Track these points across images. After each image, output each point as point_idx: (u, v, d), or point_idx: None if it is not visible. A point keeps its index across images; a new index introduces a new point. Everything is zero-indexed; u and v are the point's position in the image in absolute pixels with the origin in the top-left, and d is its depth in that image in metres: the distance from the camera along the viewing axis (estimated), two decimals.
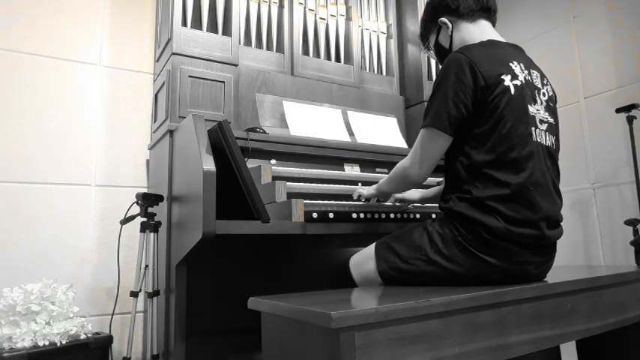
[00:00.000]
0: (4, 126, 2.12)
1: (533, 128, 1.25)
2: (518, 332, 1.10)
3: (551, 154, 1.31)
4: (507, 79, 1.24)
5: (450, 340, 0.98)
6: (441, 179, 2.12)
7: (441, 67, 1.32)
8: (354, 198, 1.66)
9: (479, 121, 1.22)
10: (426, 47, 1.57)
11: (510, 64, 1.28)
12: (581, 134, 2.81)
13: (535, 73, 1.35)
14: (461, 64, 1.23)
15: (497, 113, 1.21)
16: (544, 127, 1.29)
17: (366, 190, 1.63)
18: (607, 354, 1.64)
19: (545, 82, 1.38)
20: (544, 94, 1.34)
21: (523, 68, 1.31)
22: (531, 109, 1.26)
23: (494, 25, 1.46)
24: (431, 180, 2.11)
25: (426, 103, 2.61)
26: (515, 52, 1.37)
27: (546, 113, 1.32)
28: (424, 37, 1.55)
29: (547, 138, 1.30)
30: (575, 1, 2.92)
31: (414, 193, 1.70)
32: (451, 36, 1.44)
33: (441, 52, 1.50)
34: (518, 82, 1.25)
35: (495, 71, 1.23)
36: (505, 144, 1.20)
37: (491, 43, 1.34)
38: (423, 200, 1.72)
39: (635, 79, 2.59)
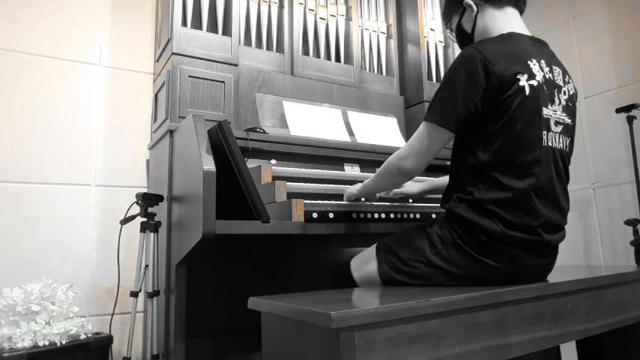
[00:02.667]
0: (4, 126, 2.12)
1: (544, 132, 1.21)
2: (518, 332, 1.10)
3: (563, 158, 1.28)
4: (523, 79, 1.19)
5: (450, 340, 0.98)
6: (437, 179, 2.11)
7: (453, 60, 1.27)
8: (345, 200, 1.62)
9: (489, 120, 1.19)
10: (448, 28, 1.50)
11: (529, 61, 1.23)
12: (581, 134, 2.81)
13: (557, 70, 1.30)
14: (474, 61, 1.19)
15: (508, 114, 1.17)
16: (559, 129, 1.25)
17: (351, 190, 1.59)
18: (607, 354, 1.64)
19: (567, 79, 1.33)
20: (565, 93, 1.29)
21: (544, 65, 1.26)
22: (546, 111, 1.22)
23: (522, 13, 1.40)
24: (421, 179, 2.10)
25: (426, 104, 2.64)
26: (537, 47, 1.31)
27: (564, 114, 1.28)
28: (446, 17, 1.49)
29: (560, 140, 1.26)
30: (575, 1, 2.92)
31: (412, 187, 1.66)
32: (475, 20, 1.38)
33: (462, 36, 1.44)
34: (534, 82, 1.21)
35: (511, 70, 1.19)
36: (513, 147, 1.17)
37: (511, 37, 1.28)
38: (422, 193, 1.67)
39: (635, 79, 2.59)
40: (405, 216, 1.71)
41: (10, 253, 2.05)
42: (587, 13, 2.85)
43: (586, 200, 2.76)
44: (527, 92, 1.19)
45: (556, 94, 1.27)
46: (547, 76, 1.26)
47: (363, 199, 1.66)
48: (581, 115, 2.83)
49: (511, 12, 1.37)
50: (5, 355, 1.53)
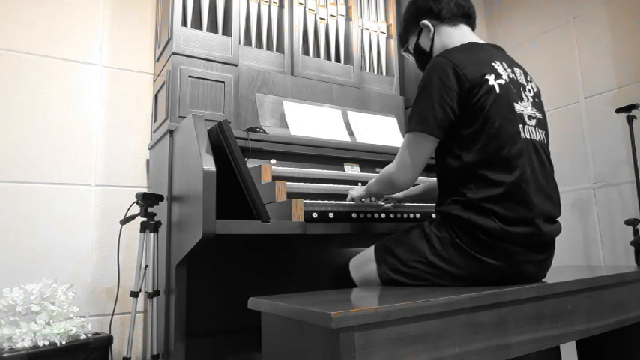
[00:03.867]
0: (4, 126, 2.12)
1: (521, 126, 1.25)
2: (518, 332, 1.10)
3: (544, 149, 1.32)
4: (491, 79, 1.25)
5: (450, 340, 0.98)
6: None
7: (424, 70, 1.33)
8: (347, 201, 1.66)
9: (467, 122, 1.23)
10: (405, 49, 1.57)
11: (493, 63, 1.29)
12: (581, 134, 2.81)
13: (518, 71, 1.36)
14: (444, 67, 1.24)
15: (484, 113, 1.21)
16: (533, 122, 1.30)
17: (357, 192, 1.63)
18: (607, 354, 1.64)
19: (529, 78, 1.39)
20: (529, 91, 1.35)
21: (506, 67, 1.32)
22: (518, 106, 1.27)
23: (473, 30, 1.48)
24: (422, 179, 2.10)
25: None
26: (497, 52, 1.38)
27: (534, 109, 1.32)
28: (404, 38, 1.56)
29: (537, 133, 1.30)
30: (575, 1, 2.92)
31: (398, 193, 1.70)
32: (432, 39, 1.44)
33: (421, 55, 1.51)
34: (502, 81, 1.26)
35: (479, 72, 1.24)
36: (495, 143, 1.21)
37: (472, 46, 1.35)
38: (406, 199, 1.72)
39: (635, 79, 2.59)
40: (405, 216, 1.72)
41: (10, 253, 2.05)
42: (587, 13, 2.85)
43: (586, 200, 2.76)
44: (498, 90, 1.24)
45: (522, 92, 1.32)
46: (511, 76, 1.31)
47: (363, 200, 1.67)
48: (581, 115, 2.83)
49: (465, 28, 1.45)
50: (5, 355, 1.53)
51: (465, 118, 1.23)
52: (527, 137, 1.26)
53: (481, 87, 1.22)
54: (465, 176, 1.23)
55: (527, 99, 1.32)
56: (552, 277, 1.33)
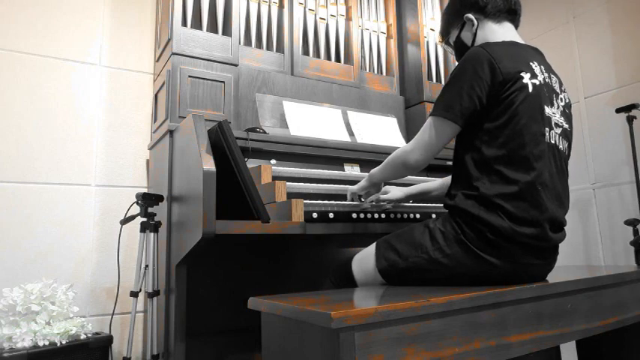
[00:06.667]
0: (4, 126, 2.12)
1: (547, 129, 1.24)
2: (518, 332, 1.10)
3: (562, 158, 1.31)
4: (526, 77, 1.24)
5: (450, 340, 0.98)
6: (437, 179, 2.12)
7: (456, 62, 1.31)
8: (348, 200, 1.65)
9: (493, 115, 1.22)
10: (445, 42, 1.55)
11: (531, 63, 1.28)
12: (581, 134, 2.81)
13: (554, 79, 1.36)
14: (479, 57, 1.23)
15: (512, 109, 1.20)
16: (558, 130, 1.29)
17: (357, 185, 1.62)
18: (607, 354, 1.64)
19: (563, 89, 1.38)
20: (561, 100, 1.34)
21: (543, 70, 1.31)
22: (548, 110, 1.26)
23: (516, 28, 1.46)
24: (422, 179, 2.11)
25: (426, 104, 2.64)
26: (536, 54, 1.37)
27: (562, 118, 1.32)
28: (446, 30, 1.53)
29: (560, 142, 1.29)
30: (575, 1, 2.92)
31: (397, 192, 1.70)
32: (475, 34, 1.43)
33: (462, 49, 1.48)
34: (537, 82, 1.25)
35: (515, 68, 1.23)
36: (517, 140, 1.20)
37: (512, 43, 1.34)
38: (407, 198, 1.71)
39: (635, 79, 2.59)
40: (405, 216, 1.72)
41: (10, 253, 2.05)
42: (587, 13, 2.85)
43: (586, 200, 2.76)
44: (530, 89, 1.23)
45: (554, 99, 1.31)
46: (547, 80, 1.30)
47: (362, 199, 1.67)
48: (581, 115, 2.83)
49: (508, 26, 1.43)
50: (5, 355, 1.53)
51: (492, 111, 1.22)
52: (551, 142, 1.25)
53: (514, 83, 1.22)
54: (481, 170, 1.22)
55: (558, 107, 1.31)
56: (552, 277, 1.33)
